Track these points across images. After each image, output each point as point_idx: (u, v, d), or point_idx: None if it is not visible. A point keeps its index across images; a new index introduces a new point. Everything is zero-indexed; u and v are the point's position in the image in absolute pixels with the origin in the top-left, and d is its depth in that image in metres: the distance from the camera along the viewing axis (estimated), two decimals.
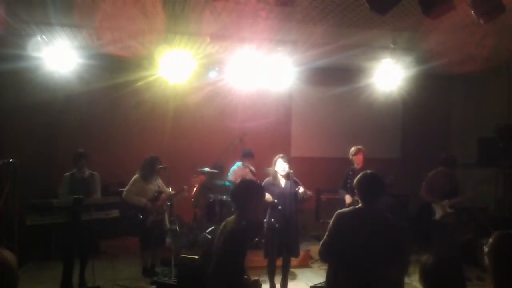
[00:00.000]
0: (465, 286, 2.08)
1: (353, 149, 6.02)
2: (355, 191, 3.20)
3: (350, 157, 6.01)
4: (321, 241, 3.13)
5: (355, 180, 3.18)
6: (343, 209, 3.18)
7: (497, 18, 3.35)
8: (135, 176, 5.75)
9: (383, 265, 2.88)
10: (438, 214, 5.76)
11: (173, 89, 7.08)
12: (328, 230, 3.10)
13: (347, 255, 2.94)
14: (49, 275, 5.55)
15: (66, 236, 5.06)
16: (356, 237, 2.94)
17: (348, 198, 5.80)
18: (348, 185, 5.85)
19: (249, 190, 3.20)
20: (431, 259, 2.08)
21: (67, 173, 5.37)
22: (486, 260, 2.04)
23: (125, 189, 5.69)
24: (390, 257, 2.90)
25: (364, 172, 3.18)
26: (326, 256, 3.13)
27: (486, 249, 2.05)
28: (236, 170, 6.84)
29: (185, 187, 6.06)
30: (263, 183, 5.21)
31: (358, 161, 5.95)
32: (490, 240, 2.05)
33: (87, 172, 5.43)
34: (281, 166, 5.05)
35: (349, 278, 2.94)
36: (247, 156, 6.82)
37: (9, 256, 1.75)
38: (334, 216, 3.10)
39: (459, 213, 5.72)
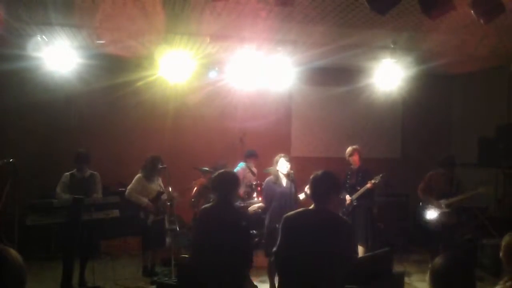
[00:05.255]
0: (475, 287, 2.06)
1: (349, 149, 6.03)
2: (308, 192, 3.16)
3: (347, 158, 6.03)
4: (274, 249, 3.08)
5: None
6: (290, 212, 3.10)
7: (497, 18, 3.35)
8: (138, 175, 5.78)
9: (329, 266, 2.83)
10: (433, 214, 5.69)
11: (173, 89, 7.07)
12: (279, 236, 3.06)
13: (295, 258, 2.90)
14: (49, 275, 5.55)
15: (66, 236, 5.06)
16: (303, 238, 2.89)
17: (347, 198, 5.82)
18: (346, 185, 5.91)
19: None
20: (441, 261, 2.06)
21: (67, 173, 5.38)
22: (504, 261, 2.05)
23: (128, 187, 5.71)
24: (336, 256, 2.86)
25: (315, 173, 3.11)
26: (278, 262, 3.07)
27: (501, 253, 2.07)
28: (239, 170, 6.83)
29: (176, 194, 5.93)
30: (265, 182, 5.22)
31: (354, 161, 5.98)
32: (503, 242, 2.06)
33: (88, 172, 5.44)
34: (283, 166, 5.05)
35: (296, 281, 2.89)
36: (250, 156, 6.80)
37: (17, 254, 1.78)
38: (281, 221, 3.04)
39: (458, 213, 5.70)
